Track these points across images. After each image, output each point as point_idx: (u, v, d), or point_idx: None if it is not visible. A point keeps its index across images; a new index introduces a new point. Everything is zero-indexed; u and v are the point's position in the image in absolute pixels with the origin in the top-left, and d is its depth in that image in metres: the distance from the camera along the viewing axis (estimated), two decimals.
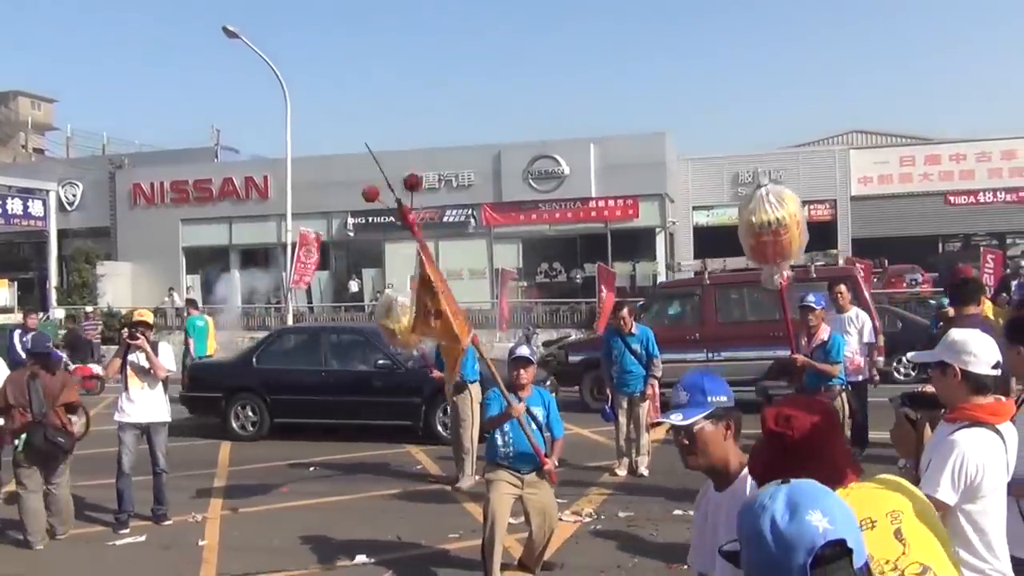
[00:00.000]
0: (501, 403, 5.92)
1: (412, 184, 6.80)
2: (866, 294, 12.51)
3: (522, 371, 6.01)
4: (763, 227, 6.17)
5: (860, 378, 9.18)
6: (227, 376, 12.69)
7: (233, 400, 12.21)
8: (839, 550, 1.33)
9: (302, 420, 12.10)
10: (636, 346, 9.21)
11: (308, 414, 12.04)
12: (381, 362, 11.64)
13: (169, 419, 8.13)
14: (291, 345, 13.31)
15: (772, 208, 6.12)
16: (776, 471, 2.12)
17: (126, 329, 8.06)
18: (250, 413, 12.14)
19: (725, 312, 13.64)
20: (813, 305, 8.04)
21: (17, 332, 13.48)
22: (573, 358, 14.56)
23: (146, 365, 7.76)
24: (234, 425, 12.13)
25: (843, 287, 9.61)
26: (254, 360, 12.57)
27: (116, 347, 10.25)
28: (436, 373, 9.56)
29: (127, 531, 7.54)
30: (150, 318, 8.27)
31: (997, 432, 2.75)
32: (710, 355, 13.11)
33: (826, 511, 1.36)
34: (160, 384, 7.94)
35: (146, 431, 7.82)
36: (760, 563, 1.35)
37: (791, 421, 2.09)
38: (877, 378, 9.62)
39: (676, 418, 2.46)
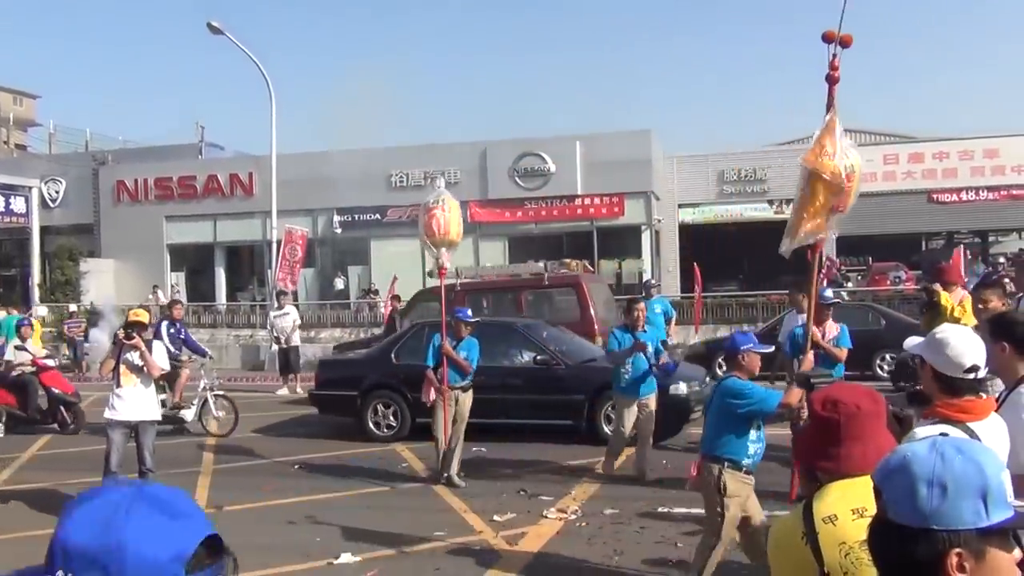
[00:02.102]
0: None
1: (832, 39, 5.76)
2: (589, 302, 13.83)
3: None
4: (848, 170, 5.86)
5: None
6: (363, 373, 11.99)
7: (370, 399, 11.55)
8: None
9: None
10: (648, 344, 8.99)
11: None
12: (540, 358, 11.08)
13: (158, 418, 8.13)
14: (434, 339, 12.21)
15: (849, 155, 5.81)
16: (822, 455, 2.16)
17: (121, 330, 7.99)
18: (389, 413, 11.48)
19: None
20: (829, 301, 8.33)
21: (164, 323, 13.05)
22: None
23: (140, 363, 7.78)
24: (371, 425, 11.45)
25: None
26: (393, 356, 11.89)
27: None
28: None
29: None
30: (145, 318, 8.31)
31: (968, 430, 2.76)
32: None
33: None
34: (152, 383, 7.95)
35: (135, 429, 7.80)
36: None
37: (838, 406, 2.14)
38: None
39: None
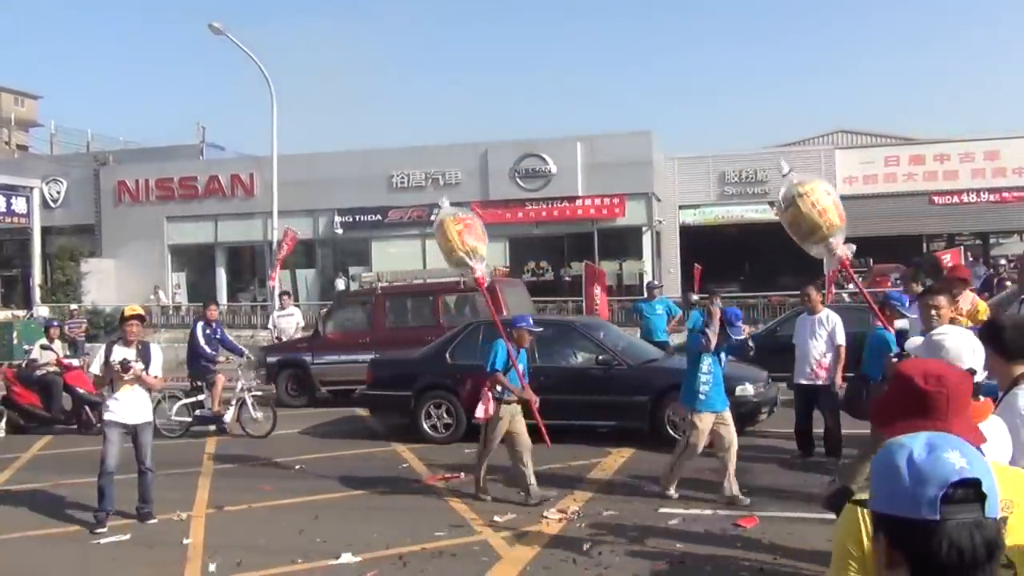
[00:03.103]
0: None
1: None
2: (503, 306, 13.77)
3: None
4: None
5: (820, 382, 9.11)
6: (417, 373, 11.71)
7: (424, 399, 11.32)
8: (972, 492, 1.32)
9: None
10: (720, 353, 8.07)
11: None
12: (602, 357, 10.75)
13: (152, 419, 8.14)
14: (490, 339, 11.50)
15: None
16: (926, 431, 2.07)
17: (118, 364, 7.70)
18: (444, 413, 11.22)
19: (392, 319, 15.20)
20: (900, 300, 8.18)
21: (200, 324, 12.66)
22: (271, 359, 15.72)
23: (138, 367, 7.77)
24: (425, 426, 11.21)
25: (811, 289, 9.56)
26: (447, 355, 11.64)
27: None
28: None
29: (104, 530, 7.50)
30: (141, 312, 8.31)
31: None
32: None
33: (965, 454, 1.37)
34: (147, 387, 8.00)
35: (132, 431, 7.82)
36: (890, 495, 1.36)
37: (943, 380, 2.01)
38: (841, 384, 9.07)
39: None
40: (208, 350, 12.32)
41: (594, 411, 10.70)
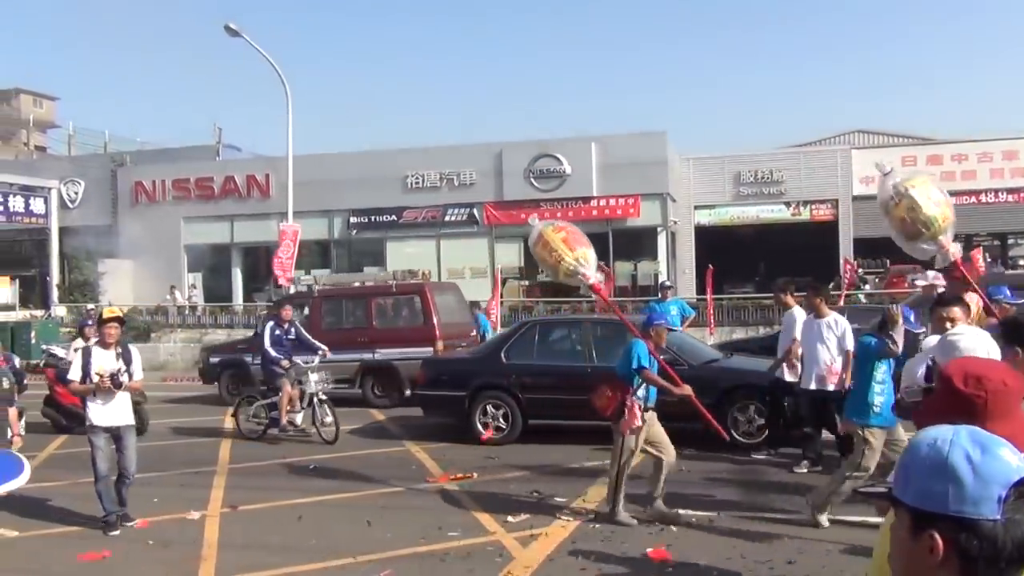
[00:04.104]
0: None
1: None
2: (432, 309, 14.69)
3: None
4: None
5: (830, 388, 8.90)
6: (472, 373, 11.59)
7: (479, 399, 11.18)
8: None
9: (562, 421, 11.08)
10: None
11: (570, 415, 10.77)
12: (663, 358, 10.73)
13: (134, 421, 8.01)
14: (546, 338, 11.97)
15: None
16: None
17: (100, 377, 7.50)
18: (499, 414, 11.08)
19: (328, 320, 15.52)
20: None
21: (270, 324, 12.12)
22: (212, 359, 16.46)
23: (124, 380, 7.66)
24: (480, 427, 11.10)
25: (813, 294, 9.29)
26: (503, 355, 11.46)
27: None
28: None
29: (117, 532, 7.49)
30: (120, 314, 8.10)
31: None
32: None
33: (1014, 451, 1.37)
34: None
35: (115, 433, 7.72)
36: (948, 495, 1.35)
37: (983, 382, 1.94)
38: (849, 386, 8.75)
39: None
40: (273, 352, 11.76)
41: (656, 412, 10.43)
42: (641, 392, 7.39)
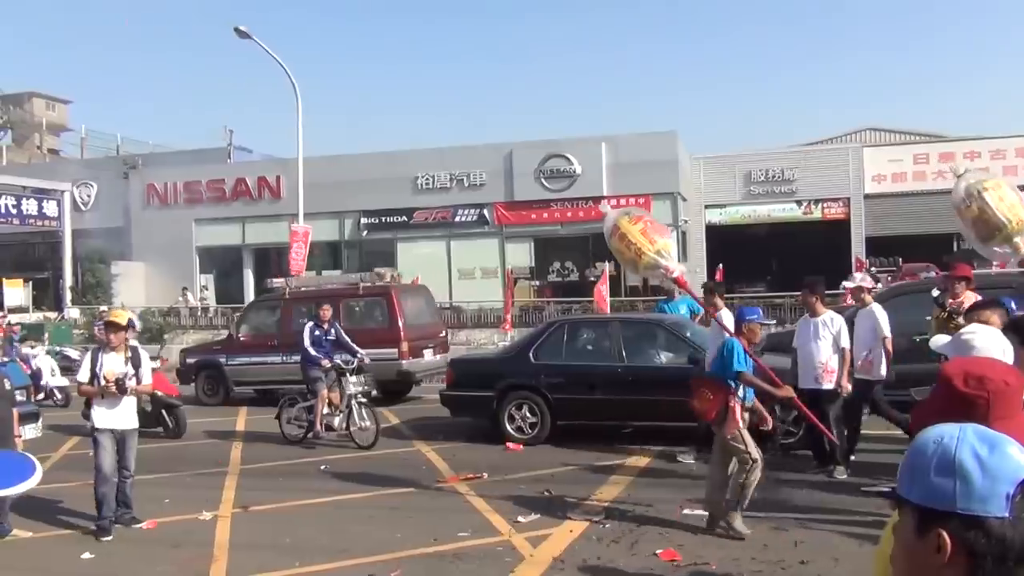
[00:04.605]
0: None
1: None
2: (398, 311, 15.01)
3: None
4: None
5: (825, 387, 8.67)
6: (500, 373, 11.38)
7: (508, 400, 11.02)
8: None
9: (593, 422, 10.97)
10: None
11: (602, 416, 10.69)
12: (697, 356, 10.23)
13: (137, 424, 7.96)
14: (575, 338, 11.72)
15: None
16: None
17: (113, 385, 7.50)
18: (528, 414, 10.92)
19: (299, 322, 14.95)
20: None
21: (309, 324, 11.90)
22: (189, 360, 16.63)
23: (132, 384, 7.66)
24: (509, 428, 10.90)
25: (808, 293, 9.09)
26: (531, 355, 11.25)
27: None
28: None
29: (110, 538, 7.42)
30: (123, 319, 8.02)
31: None
32: (284, 359, 14.99)
33: (1022, 449, 1.37)
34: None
35: (120, 435, 7.70)
36: (957, 493, 1.34)
37: (984, 382, 1.90)
38: (848, 388, 8.71)
39: None
40: (314, 351, 11.51)
41: (686, 413, 10.30)
42: (740, 392, 7.07)
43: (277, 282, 17.38)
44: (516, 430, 10.91)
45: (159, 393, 11.99)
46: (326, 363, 11.48)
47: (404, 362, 14.90)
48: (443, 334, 16.63)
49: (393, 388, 15.18)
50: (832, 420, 8.66)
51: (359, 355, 11.76)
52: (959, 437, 1.38)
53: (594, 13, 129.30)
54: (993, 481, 1.33)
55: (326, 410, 11.41)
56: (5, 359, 14.68)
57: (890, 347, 8.82)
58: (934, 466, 1.37)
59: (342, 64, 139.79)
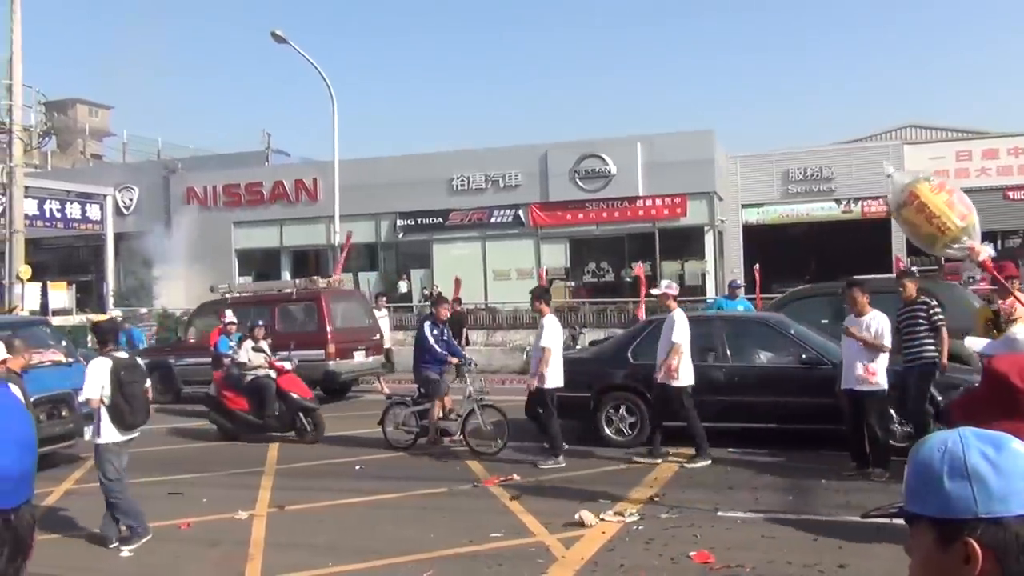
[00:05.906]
0: None
1: None
2: (326, 315, 15.91)
3: None
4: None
5: (868, 388, 8.60)
6: (597, 373, 11.11)
7: (606, 401, 10.80)
8: None
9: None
10: None
11: (705, 417, 10.00)
12: (806, 356, 10.07)
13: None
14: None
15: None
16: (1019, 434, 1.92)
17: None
18: (626, 415, 10.70)
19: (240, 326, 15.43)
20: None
21: (427, 323, 11.33)
22: (142, 361, 16.65)
23: None
24: (607, 430, 10.68)
25: (856, 291, 8.80)
26: (630, 354, 10.97)
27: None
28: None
29: (131, 549, 7.29)
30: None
31: None
32: None
33: (1020, 443, 1.36)
34: None
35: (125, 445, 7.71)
36: (982, 497, 1.32)
37: None
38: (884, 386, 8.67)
39: None
40: (439, 349, 11.03)
41: (801, 414, 9.91)
42: None
43: (221, 287, 17.84)
44: (615, 432, 10.66)
45: (294, 395, 11.94)
46: (454, 360, 11.17)
47: (331, 363, 15.76)
48: (377, 337, 17.35)
49: (327, 387, 16.19)
50: (873, 422, 8.56)
51: (470, 361, 11.58)
52: (962, 441, 1.35)
53: (630, 13, 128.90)
54: (1008, 479, 1.31)
55: (439, 414, 11.03)
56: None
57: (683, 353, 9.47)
58: (946, 475, 1.34)
59: (378, 68, 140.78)
